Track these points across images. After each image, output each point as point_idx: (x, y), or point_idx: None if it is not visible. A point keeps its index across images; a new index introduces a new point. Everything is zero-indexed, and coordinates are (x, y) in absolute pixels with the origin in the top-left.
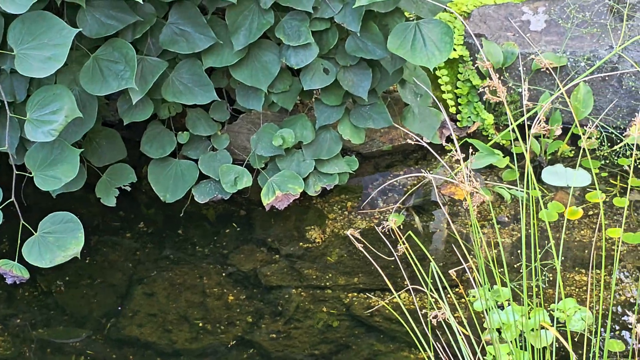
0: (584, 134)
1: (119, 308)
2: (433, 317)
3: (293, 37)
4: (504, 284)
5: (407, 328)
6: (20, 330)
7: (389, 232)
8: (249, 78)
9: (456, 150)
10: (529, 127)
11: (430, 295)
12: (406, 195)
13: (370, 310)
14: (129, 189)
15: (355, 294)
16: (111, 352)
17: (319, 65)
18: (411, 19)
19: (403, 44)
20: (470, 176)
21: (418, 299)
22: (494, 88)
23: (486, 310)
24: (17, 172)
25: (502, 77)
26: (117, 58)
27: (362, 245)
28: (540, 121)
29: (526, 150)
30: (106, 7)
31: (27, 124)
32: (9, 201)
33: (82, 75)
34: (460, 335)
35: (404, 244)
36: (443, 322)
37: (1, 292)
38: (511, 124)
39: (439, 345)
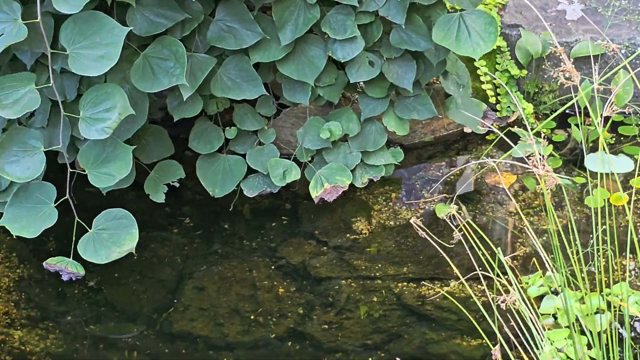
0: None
1: (175, 301)
2: (502, 302)
3: (339, 31)
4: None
5: (470, 316)
6: (71, 327)
7: (432, 221)
8: (295, 72)
9: (529, 135)
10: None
11: (498, 280)
12: (465, 183)
13: (421, 299)
14: (177, 185)
15: (405, 283)
16: (163, 347)
17: (364, 58)
18: (452, 11)
19: (448, 35)
20: (542, 160)
21: (468, 286)
22: (568, 73)
23: (560, 293)
24: (70, 171)
25: (543, 66)
26: (167, 55)
27: (423, 233)
28: (612, 103)
29: (598, 126)
30: (155, 5)
31: (81, 122)
32: (63, 199)
33: (133, 73)
34: (531, 319)
35: (465, 230)
36: (504, 308)
37: (51, 290)
38: (565, 103)
39: (508, 332)
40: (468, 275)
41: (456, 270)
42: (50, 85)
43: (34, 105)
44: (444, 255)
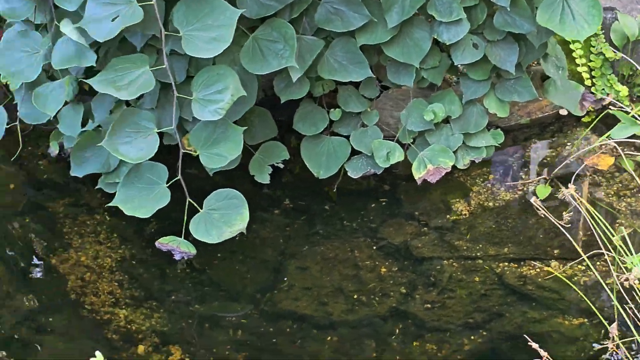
0: None
1: (285, 279)
2: (625, 280)
3: (445, 14)
4: None
5: (584, 297)
6: (176, 307)
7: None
8: (401, 55)
9: None
10: None
11: (620, 259)
12: (577, 163)
13: (522, 279)
14: (281, 166)
15: (506, 263)
16: (268, 326)
17: (468, 40)
18: None
19: (552, 17)
20: None
21: (568, 267)
22: None
23: None
24: (182, 151)
25: None
26: (276, 37)
27: (544, 213)
28: None
29: None
30: None
31: (194, 103)
32: (175, 179)
33: (243, 55)
34: None
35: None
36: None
37: (154, 269)
38: None
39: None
40: (589, 253)
41: (579, 249)
42: (163, 67)
43: (148, 86)
44: (567, 234)
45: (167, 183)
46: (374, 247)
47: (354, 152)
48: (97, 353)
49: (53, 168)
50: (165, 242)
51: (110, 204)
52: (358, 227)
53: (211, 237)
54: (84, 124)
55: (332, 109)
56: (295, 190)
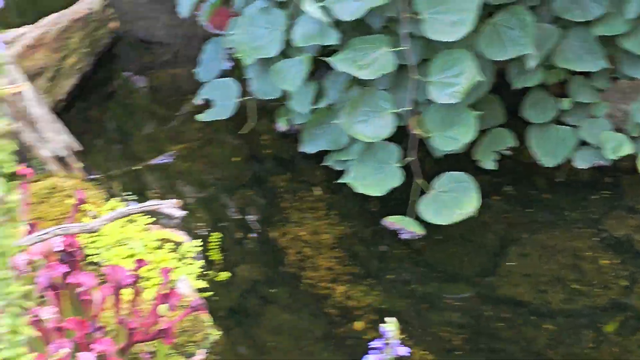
0: None
1: (505, 264)
2: None
3: None
4: None
5: None
6: (392, 286)
7: None
8: (638, 47)
9: None
10: None
11: None
12: None
13: None
14: (508, 153)
15: None
16: (485, 309)
17: None
18: None
19: None
20: None
21: None
22: None
23: None
24: (414, 133)
25: None
26: (514, 24)
27: None
28: None
29: None
30: None
31: (430, 86)
32: (409, 160)
33: (482, 40)
34: None
35: None
36: None
37: (373, 248)
38: None
39: None
40: None
41: None
42: (401, 48)
43: (388, 67)
44: None
45: (397, 163)
46: (595, 239)
47: (581, 143)
48: (390, 319)
49: (276, 143)
50: (393, 221)
51: (340, 181)
52: (579, 217)
53: (441, 219)
54: (314, 102)
55: (560, 98)
56: (514, 177)
